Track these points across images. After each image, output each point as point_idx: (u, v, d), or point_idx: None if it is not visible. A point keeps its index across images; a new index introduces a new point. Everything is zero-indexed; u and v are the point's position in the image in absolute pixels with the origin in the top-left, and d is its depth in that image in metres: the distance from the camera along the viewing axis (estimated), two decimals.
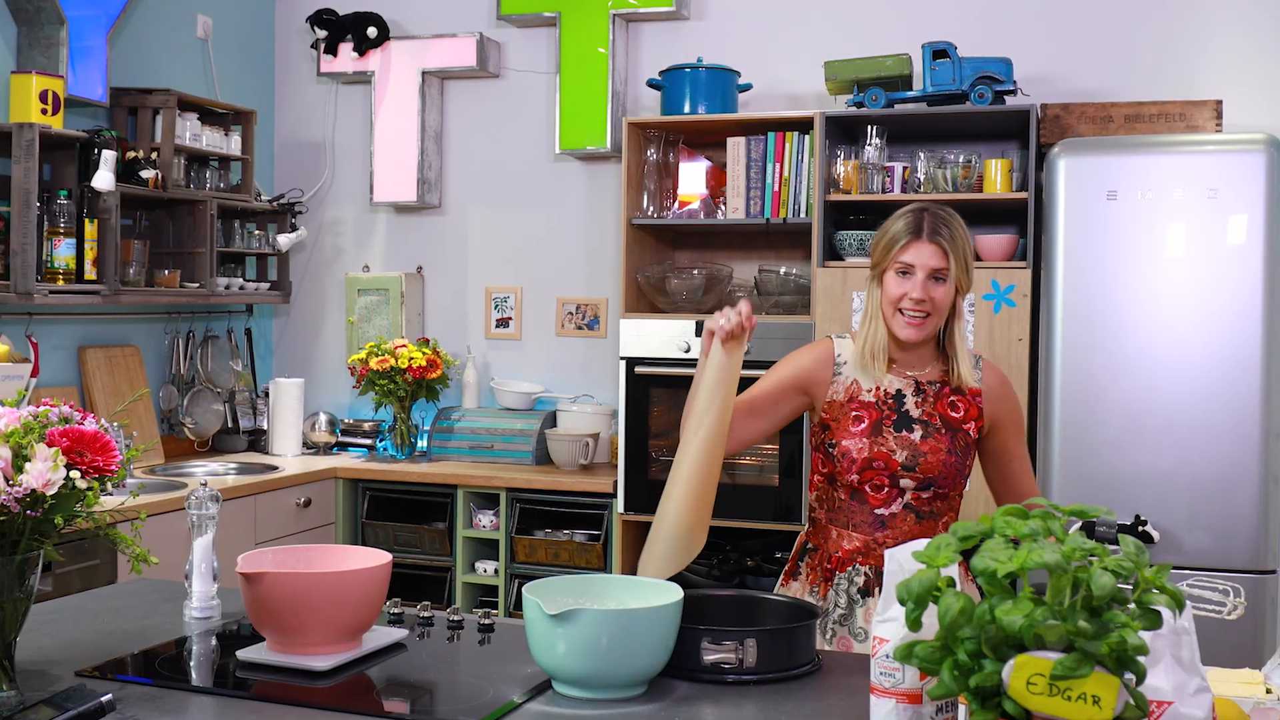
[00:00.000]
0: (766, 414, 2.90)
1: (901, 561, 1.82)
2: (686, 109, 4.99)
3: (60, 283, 4.52)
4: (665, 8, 5.33)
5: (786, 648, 2.25)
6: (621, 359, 4.89)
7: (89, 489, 1.99)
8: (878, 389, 2.83)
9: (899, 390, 2.83)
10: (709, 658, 2.19)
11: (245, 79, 5.95)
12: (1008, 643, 1.49)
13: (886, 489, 2.79)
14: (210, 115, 5.37)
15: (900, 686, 1.82)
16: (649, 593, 2.26)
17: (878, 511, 2.80)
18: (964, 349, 2.83)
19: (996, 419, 2.87)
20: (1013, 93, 4.55)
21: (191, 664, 2.33)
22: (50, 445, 1.96)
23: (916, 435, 2.79)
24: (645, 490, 4.84)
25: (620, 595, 2.28)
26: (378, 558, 2.35)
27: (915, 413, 2.81)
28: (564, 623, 2.04)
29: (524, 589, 2.15)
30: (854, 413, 2.82)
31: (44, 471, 1.92)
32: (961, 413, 2.83)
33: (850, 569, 2.81)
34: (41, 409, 2.05)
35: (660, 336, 4.84)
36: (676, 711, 2.04)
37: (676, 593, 2.21)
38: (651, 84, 5.12)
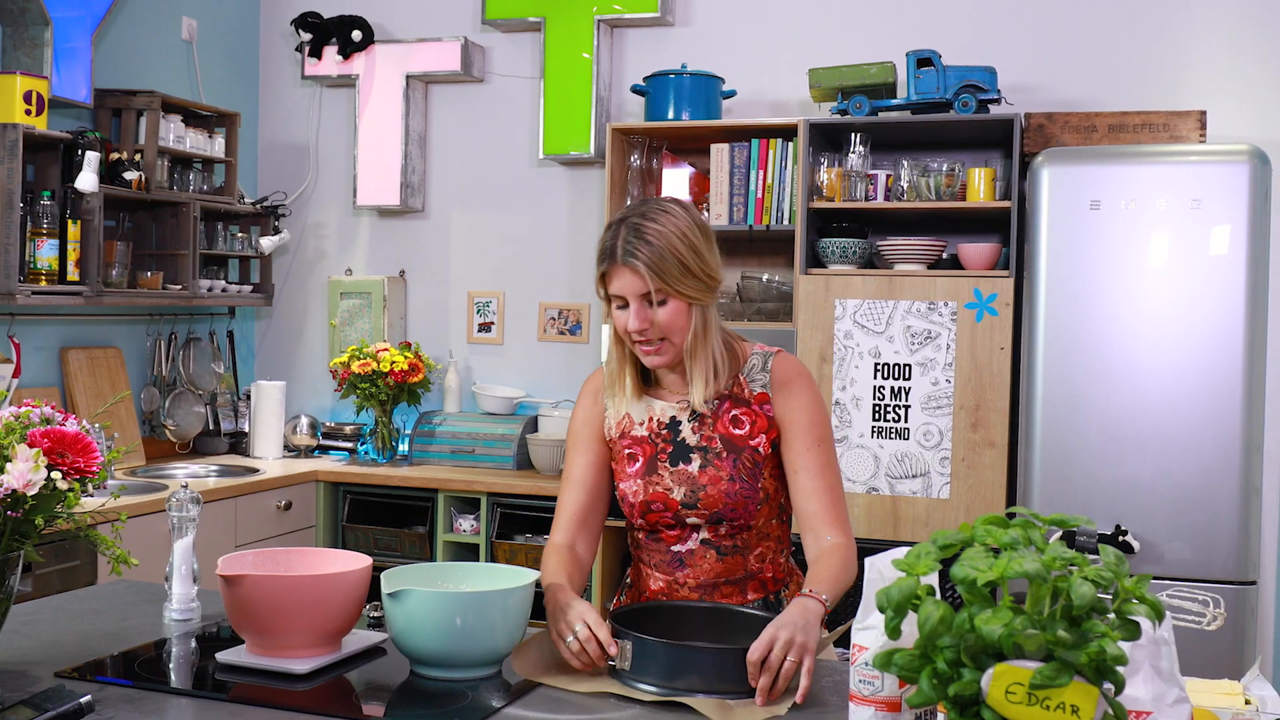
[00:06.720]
0: (606, 493, 2.61)
1: (881, 569, 1.82)
2: (670, 115, 4.99)
3: (43, 283, 4.50)
4: (650, 14, 5.33)
5: (673, 663, 2.09)
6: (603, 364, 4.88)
7: (70, 490, 1.99)
8: (650, 420, 2.53)
9: (673, 418, 2.52)
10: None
11: (229, 81, 5.94)
12: (987, 651, 1.49)
13: (678, 527, 2.50)
14: (194, 117, 5.36)
15: (879, 694, 1.83)
16: (500, 580, 2.34)
17: (674, 549, 2.52)
18: (704, 368, 2.46)
19: (780, 419, 2.49)
20: (997, 101, 4.56)
21: (171, 666, 2.32)
22: (31, 446, 1.96)
23: (694, 466, 2.47)
24: None
25: (476, 582, 2.37)
26: (358, 561, 2.35)
27: (692, 439, 2.49)
28: (398, 601, 2.17)
29: (384, 573, 2.27)
30: (627, 450, 2.54)
31: (25, 472, 1.92)
32: (747, 427, 2.49)
33: None
34: (23, 410, 2.04)
35: None
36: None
37: (522, 579, 2.30)
38: (635, 90, 5.12)
